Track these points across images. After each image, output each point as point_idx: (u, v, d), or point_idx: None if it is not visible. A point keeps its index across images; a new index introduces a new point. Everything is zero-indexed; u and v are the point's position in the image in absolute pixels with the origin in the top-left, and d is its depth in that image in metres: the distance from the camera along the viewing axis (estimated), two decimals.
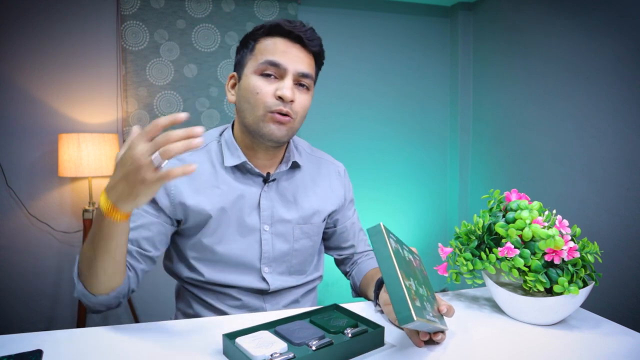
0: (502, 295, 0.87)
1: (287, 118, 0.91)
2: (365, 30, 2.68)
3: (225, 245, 0.97)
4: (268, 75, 0.90)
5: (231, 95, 0.99)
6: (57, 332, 0.77)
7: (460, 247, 0.92)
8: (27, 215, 2.18)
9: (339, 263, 1.19)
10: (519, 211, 0.87)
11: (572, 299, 0.80)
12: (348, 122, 2.69)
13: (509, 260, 0.84)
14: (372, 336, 0.74)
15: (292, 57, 0.91)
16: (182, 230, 0.99)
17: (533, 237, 0.83)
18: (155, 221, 0.93)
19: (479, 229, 0.90)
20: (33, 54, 2.14)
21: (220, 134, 1.02)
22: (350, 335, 0.74)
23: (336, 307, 0.86)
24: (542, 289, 0.83)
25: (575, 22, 2.06)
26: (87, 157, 1.98)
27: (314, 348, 0.70)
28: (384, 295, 0.87)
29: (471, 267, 0.88)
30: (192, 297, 1.03)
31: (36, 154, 2.18)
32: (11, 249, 2.17)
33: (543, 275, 0.82)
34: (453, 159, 2.91)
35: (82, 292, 0.83)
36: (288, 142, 1.03)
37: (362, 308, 0.91)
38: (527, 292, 0.87)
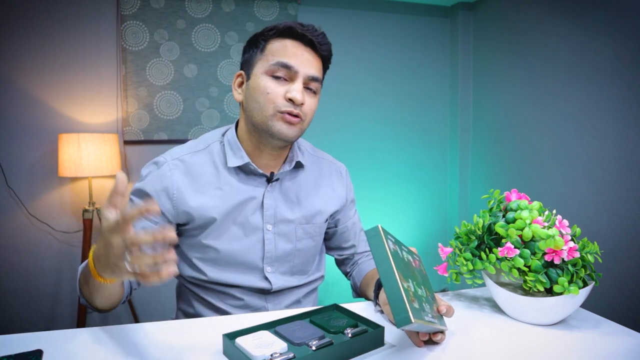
0: (502, 295, 0.87)
1: (297, 119, 0.91)
2: (365, 30, 2.68)
3: (228, 244, 0.97)
4: (278, 77, 0.90)
5: (238, 94, 0.98)
6: (57, 332, 0.77)
7: (460, 247, 0.92)
8: (27, 215, 2.18)
9: (340, 263, 1.20)
10: (519, 211, 0.87)
11: (572, 299, 0.80)
12: (348, 122, 2.69)
13: (509, 260, 0.84)
14: (372, 336, 0.74)
15: (304, 60, 0.91)
16: (185, 232, 0.98)
17: (533, 237, 0.83)
18: (154, 226, 0.93)
19: (479, 229, 0.90)
20: (33, 54, 2.14)
21: (223, 135, 1.02)
22: (350, 335, 0.74)
23: (336, 307, 0.86)
24: (542, 289, 0.83)
25: (575, 22, 2.06)
26: (87, 157, 1.98)
27: (314, 348, 0.70)
28: (383, 295, 0.87)
29: (471, 267, 0.88)
30: (194, 296, 1.03)
31: (36, 154, 2.18)
32: (11, 249, 2.17)
33: (543, 275, 0.82)
34: (453, 159, 2.91)
35: (84, 302, 0.87)
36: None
37: (362, 308, 0.91)
38: (527, 292, 0.87)
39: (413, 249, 0.88)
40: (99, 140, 2.02)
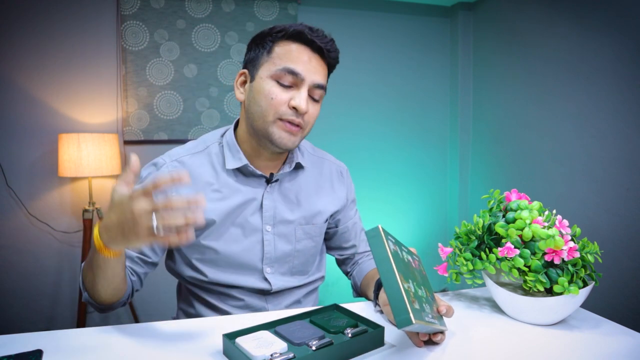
0: (502, 295, 0.87)
1: (298, 128, 0.91)
2: (365, 30, 2.68)
3: (227, 246, 0.97)
4: (283, 83, 0.89)
5: (240, 94, 0.96)
6: (57, 332, 0.77)
7: (460, 247, 0.92)
8: (27, 215, 2.18)
9: (340, 263, 1.19)
10: (519, 211, 0.87)
11: (572, 299, 0.80)
12: (348, 122, 2.69)
13: (509, 260, 0.84)
14: (372, 336, 0.74)
15: (310, 67, 0.89)
16: None
17: (533, 237, 0.83)
18: None
19: (479, 229, 0.90)
20: (33, 54, 2.14)
21: (222, 136, 1.02)
22: (350, 335, 0.74)
23: (336, 307, 0.86)
24: (542, 289, 0.83)
25: (575, 22, 2.06)
26: (87, 157, 1.98)
27: (314, 348, 0.70)
28: (383, 295, 0.87)
29: (471, 267, 0.88)
30: (194, 296, 1.03)
31: (36, 154, 2.18)
32: (11, 249, 2.17)
33: (543, 275, 0.82)
34: (453, 159, 2.91)
35: (87, 299, 0.87)
36: None
37: (362, 308, 0.91)
38: (527, 292, 0.87)
39: (412, 249, 0.88)
40: (99, 140, 2.02)
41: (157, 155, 1.00)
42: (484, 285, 1.07)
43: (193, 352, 0.72)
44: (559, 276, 0.81)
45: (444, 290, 2.79)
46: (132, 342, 0.75)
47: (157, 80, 2.30)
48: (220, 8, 2.37)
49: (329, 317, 0.82)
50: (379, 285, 0.91)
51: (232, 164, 0.96)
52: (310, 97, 0.91)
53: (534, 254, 0.83)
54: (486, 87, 2.69)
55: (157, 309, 2.34)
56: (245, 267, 0.99)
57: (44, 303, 2.23)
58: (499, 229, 0.86)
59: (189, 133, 2.37)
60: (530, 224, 0.84)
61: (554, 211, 0.88)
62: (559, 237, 0.80)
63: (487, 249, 0.88)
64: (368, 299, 1.03)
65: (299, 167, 1.03)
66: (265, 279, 1.00)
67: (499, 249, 0.84)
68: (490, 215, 0.91)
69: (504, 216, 0.89)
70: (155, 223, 0.64)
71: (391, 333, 0.79)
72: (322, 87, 0.92)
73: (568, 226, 0.85)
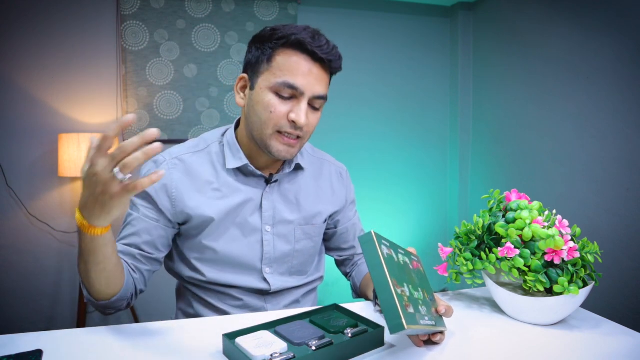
0: (502, 295, 0.87)
1: (296, 140, 0.90)
2: (365, 30, 2.68)
3: (226, 245, 0.97)
4: (283, 95, 0.87)
5: (240, 99, 0.95)
6: (57, 332, 0.77)
7: (460, 247, 0.92)
8: (27, 215, 2.18)
9: (339, 264, 1.19)
10: (519, 211, 0.87)
11: (572, 299, 0.80)
12: (348, 122, 2.69)
13: (509, 260, 0.84)
14: (372, 336, 0.74)
15: (311, 79, 0.87)
16: (184, 231, 0.98)
17: (533, 237, 0.83)
18: (155, 225, 0.93)
19: (479, 229, 0.90)
20: (33, 54, 2.14)
21: (223, 135, 1.01)
22: (350, 335, 0.74)
23: (336, 307, 0.86)
24: (542, 289, 0.83)
25: (575, 22, 2.06)
26: None
27: (314, 348, 0.70)
28: None
29: (471, 267, 0.88)
30: (193, 296, 1.03)
31: (36, 154, 2.18)
32: (11, 249, 2.17)
33: (543, 275, 0.82)
34: (453, 159, 2.91)
35: (87, 297, 0.85)
36: None
37: (362, 308, 0.91)
38: (527, 292, 0.87)
39: (412, 250, 0.88)
40: None
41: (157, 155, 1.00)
42: (484, 285, 1.07)
43: (193, 352, 0.72)
44: (559, 276, 0.81)
45: (444, 290, 2.79)
46: (132, 342, 0.75)
47: (157, 80, 2.30)
48: (220, 8, 2.37)
49: (329, 317, 0.82)
50: None
51: (233, 163, 0.96)
52: (310, 106, 0.90)
53: (534, 254, 0.83)
54: (486, 87, 2.69)
55: (157, 309, 2.34)
56: (244, 267, 0.99)
57: (44, 303, 2.23)
58: (499, 229, 0.86)
59: (189, 133, 2.37)
60: (530, 224, 0.84)
61: (554, 211, 0.88)
62: (559, 237, 0.80)
63: (487, 249, 0.88)
64: (367, 299, 1.03)
65: (298, 168, 1.03)
66: (264, 279, 1.00)
67: (499, 249, 0.84)
68: (490, 215, 0.91)
69: (504, 216, 0.89)
70: (118, 174, 0.63)
71: None
72: (323, 98, 0.91)
73: (568, 226, 0.85)
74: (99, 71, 2.25)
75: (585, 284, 0.83)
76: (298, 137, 0.90)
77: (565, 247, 0.80)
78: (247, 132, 0.96)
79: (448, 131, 2.93)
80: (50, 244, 2.23)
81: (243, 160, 0.96)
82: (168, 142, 2.35)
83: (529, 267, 0.83)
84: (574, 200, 2.08)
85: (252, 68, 0.92)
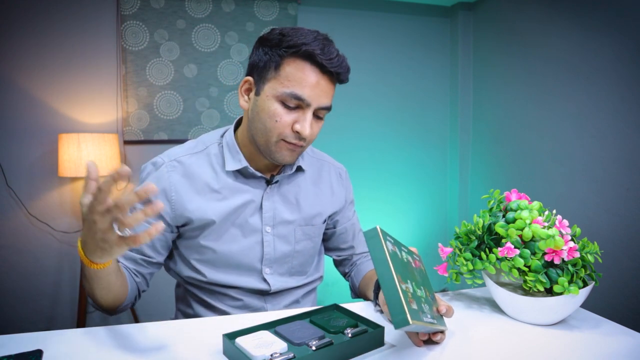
0: (502, 295, 0.87)
1: (300, 147, 0.91)
2: (365, 30, 2.68)
3: (226, 246, 0.97)
4: (289, 105, 0.87)
5: (244, 102, 0.94)
6: (57, 332, 0.77)
7: (460, 247, 0.92)
8: (27, 215, 2.18)
9: (338, 264, 1.19)
10: (519, 211, 0.87)
11: (572, 299, 0.80)
12: (348, 122, 2.69)
13: (509, 260, 0.84)
14: (372, 336, 0.74)
15: (318, 91, 0.87)
16: (184, 233, 0.98)
17: (533, 237, 0.83)
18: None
19: (479, 229, 0.90)
20: (33, 54, 2.14)
21: (222, 136, 1.01)
22: (350, 335, 0.74)
23: (336, 307, 0.86)
24: (542, 289, 0.83)
25: (575, 22, 2.06)
26: (87, 157, 1.98)
27: (314, 348, 0.70)
28: (383, 295, 0.86)
29: (471, 267, 0.88)
30: (193, 297, 1.03)
31: (36, 154, 2.18)
32: (11, 249, 2.17)
33: (543, 275, 0.82)
34: (453, 159, 2.91)
35: (92, 304, 0.87)
36: None
37: (362, 308, 0.91)
38: (527, 292, 0.87)
39: (413, 249, 0.88)
40: (99, 140, 2.02)
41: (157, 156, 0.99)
42: (484, 285, 1.07)
43: (193, 352, 0.72)
44: (559, 276, 0.81)
45: (444, 290, 2.79)
46: (132, 342, 0.75)
47: (157, 80, 2.30)
48: (220, 8, 2.37)
49: (329, 317, 0.82)
50: (378, 285, 0.91)
51: (232, 165, 0.96)
52: (315, 115, 0.90)
53: (534, 254, 0.83)
54: (486, 87, 2.69)
55: (157, 309, 2.34)
56: (244, 267, 0.99)
57: (44, 303, 2.23)
58: (499, 229, 0.86)
59: (189, 133, 2.37)
60: (530, 224, 0.84)
61: (554, 211, 0.88)
62: (559, 237, 0.80)
63: (487, 249, 0.88)
64: (367, 299, 1.03)
65: (298, 169, 1.03)
66: (264, 280, 1.00)
67: (499, 249, 0.84)
68: (490, 215, 0.91)
69: (504, 216, 0.89)
70: (117, 230, 0.63)
71: (391, 333, 0.79)
72: (327, 108, 0.91)
73: (568, 226, 0.85)
74: (99, 71, 2.24)
75: (585, 284, 0.83)
76: (302, 144, 0.91)
77: (565, 247, 0.80)
78: (248, 135, 0.95)
79: (448, 131, 2.93)
80: (50, 244, 2.23)
81: (242, 163, 0.96)
82: (168, 142, 2.35)
83: (529, 267, 0.83)
84: (574, 200, 2.08)
85: (259, 73, 0.90)
